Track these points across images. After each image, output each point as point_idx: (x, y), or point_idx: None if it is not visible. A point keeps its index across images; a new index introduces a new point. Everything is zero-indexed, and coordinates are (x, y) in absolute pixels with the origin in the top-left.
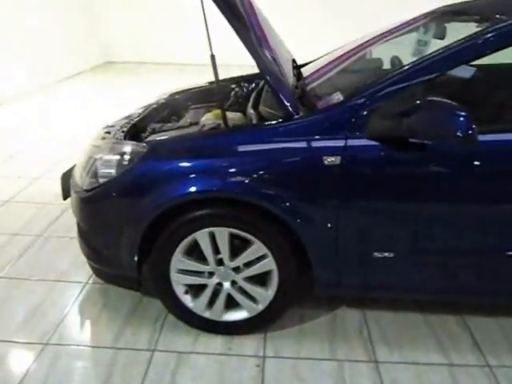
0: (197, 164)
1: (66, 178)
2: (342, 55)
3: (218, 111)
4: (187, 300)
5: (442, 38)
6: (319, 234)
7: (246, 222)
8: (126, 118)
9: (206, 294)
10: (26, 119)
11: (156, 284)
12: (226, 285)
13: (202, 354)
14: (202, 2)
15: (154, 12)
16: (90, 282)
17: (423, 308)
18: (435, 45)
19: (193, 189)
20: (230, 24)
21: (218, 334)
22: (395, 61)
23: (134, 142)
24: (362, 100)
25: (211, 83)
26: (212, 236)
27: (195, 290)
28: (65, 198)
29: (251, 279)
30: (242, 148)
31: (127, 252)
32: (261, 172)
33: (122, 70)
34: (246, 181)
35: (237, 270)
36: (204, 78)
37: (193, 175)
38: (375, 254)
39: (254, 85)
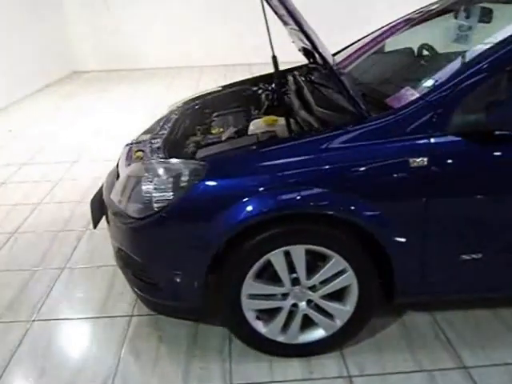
0: (269, 178)
1: (96, 204)
2: (362, 49)
3: (269, 118)
4: (259, 326)
5: (488, 21)
6: (405, 240)
7: (325, 236)
8: (147, 132)
9: (281, 317)
10: None
11: (225, 312)
12: (302, 305)
13: (283, 382)
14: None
15: (120, 18)
16: (135, 313)
17: (490, 303)
18: (481, 29)
19: (270, 206)
20: (296, 23)
21: (293, 358)
22: (426, 49)
23: (190, 160)
24: (442, 94)
25: (224, 88)
26: (286, 255)
27: (267, 315)
28: (95, 226)
29: (328, 296)
30: (316, 157)
31: (191, 282)
32: (340, 181)
33: (89, 80)
34: (326, 192)
35: (313, 288)
36: (180, 80)
37: (266, 191)
38: (463, 256)
39: (272, 86)
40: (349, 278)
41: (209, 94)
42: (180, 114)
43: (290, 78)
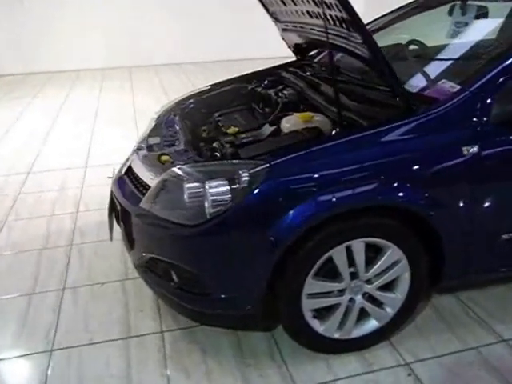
0: (331, 174)
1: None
2: None
3: (306, 114)
4: (316, 325)
5: (485, 17)
6: (456, 224)
7: (384, 227)
8: (152, 136)
9: (339, 314)
10: None
11: (285, 315)
12: (359, 299)
13: (348, 378)
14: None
15: (40, 19)
16: (165, 329)
17: (504, 279)
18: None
19: (335, 202)
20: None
21: (347, 354)
22: (416, 44)
23: (247, 161)
24: (485, 85)
25: (214, 87)
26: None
27: (322, 313)
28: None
29: (382, 287)
30: (374, 150)
31: (251, 288)
32: (399, 173)
33: (8, 84)
34: (387, 184)
35: (368, 281)
36: (109, 82)
37: (330, 187)
38: (503, 236)
39: (268, 83)
40: (403, 267)
41: (200, 93)
42: (180, 114)
43: (288, 75)
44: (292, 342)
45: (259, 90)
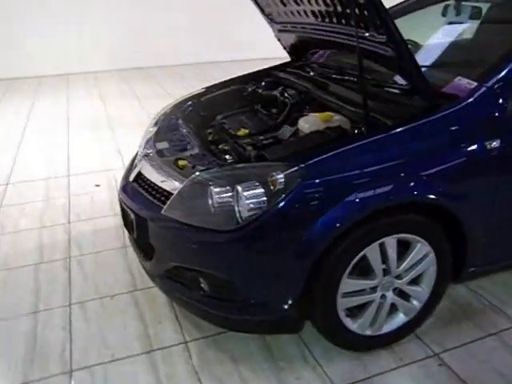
0: (365, 173)
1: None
2: None
3: (326, 114)
4: (349, 323)
5: (478, 18)
6: (480, 215)
7: (415, 223)
8: (159, 141)
9: (372, 310)
10: None
11: (321, 316)
12: (389, 294)
13: (383, 374)
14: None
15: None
16: (188, 339)
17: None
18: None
19: (371, 201)
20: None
21: (377, 350)
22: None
23: (280, 163)
24: (500, 80)
25: (210, 88)
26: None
27: (353, 311)
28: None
29: (411, 281)
30: (404, 148)
31: (288, 291)
32: (429, 168)
33: None
34: (419, 180)
35: (398, 276)
36: (75, 88)
37: (365, 186)
38: None
39: (267, 84)
40: (430, 261)
41: (198, 96)
42: (182, 118)
43: (287, 76)
44: (322, 343)
45: (260, 91)
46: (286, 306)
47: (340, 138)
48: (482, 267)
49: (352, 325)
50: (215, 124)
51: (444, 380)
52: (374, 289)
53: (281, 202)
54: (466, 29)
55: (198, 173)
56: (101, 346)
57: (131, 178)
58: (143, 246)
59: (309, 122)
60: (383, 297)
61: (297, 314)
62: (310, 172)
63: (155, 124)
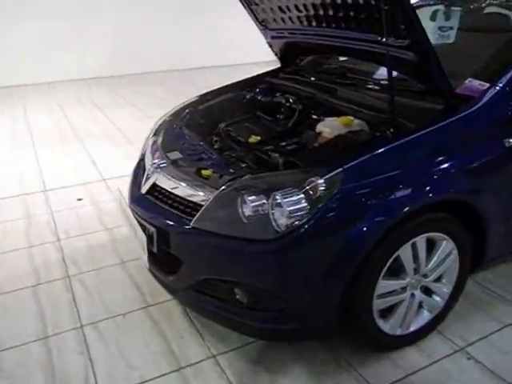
0: (406, 174)
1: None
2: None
3: (347, 118)
4: (382, 324)
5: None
6: (499, 209)
7: (442, 221)
8: (168, 150)
9: (402, 310)
10: None
11: (359, 318)
12: (418, 293)
13: (417, 373)
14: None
15: None
16: (216, 353)
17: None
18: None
19: (408, 202)
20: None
21: (404, 348)
22: None
23: (319, 169)
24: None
25: (204, 96)
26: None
27: (384, 312)
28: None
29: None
30: (432, 148)
31: (328, 297)
32: (460, 167)
33: None
34: (449, 179)
35: (425, 275)
36: (32, 99)
37: (406, 186)
38: None
39: (264, 91)
40: (454, 258)
41: (194, 104)
42: (186, 127)
43: (284, 82)
44: (349, 346)
45: (260, 98)
46: (324, 312)
47: (368, 141)
48: (497, 257)
49: (384, 326)
50: (219, 132)
51: (477, 373)
52: (404, 288)
53: (323, 207)
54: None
55: (230, 182)
56: (126, 368)
57: (144, 191)
58: (164, 260)
59: (330, 127)
60: (412, 296)
61: (334, 319)
62: (348, 175)
63: (155, 134)
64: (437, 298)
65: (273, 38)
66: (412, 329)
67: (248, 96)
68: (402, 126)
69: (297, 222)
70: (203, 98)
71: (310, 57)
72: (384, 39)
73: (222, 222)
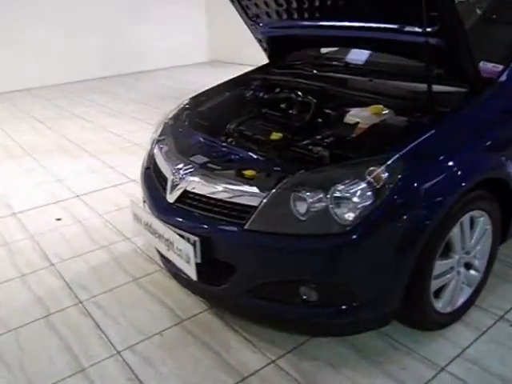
0: (458, 155)
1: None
2: None
3: (377, 107)
4: (436, 304)
5: None
6: None
7: (484, 199)
8: (192, 154)
9: (452, 288)
10: None
11: (418, 301)
12: (462, 270)
13: (471, 347)
14: None
15: None
16: (273, 357)
17: None
18: None
19: (464, 181)
20: None
21: (452, 325)
22: None
23: (379, 157)
24: None
25: (196, 98)
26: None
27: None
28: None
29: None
30: (475, 126)
31: (397, 284)
32: (499, 145)
33: None
34: (494, 157)
35: (467, 252)
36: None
37: (460, 166)
38: None
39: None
40: (489, 233)
41: (191, 107)
42: (192, 128)
43: (282, 77)
44: (399, 330)
45: (261, 94)
46: (391, 299)
47: (408, 127)
48: None
49: (437, 305)
50: (230, 132)
51: None
52: (452, 267)
53: (388, 194)
54: None
55: (287, 179)
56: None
57: (172, 199)
58: (210, 269)
59: (361, 117)
60: (458, 273)
61: (398, 305)
62: (407, 161)
63: (157, 142)
64: (475, 273)
65: (263, 33)
66: (457, 305)
67: (248, 94)
68: (434, 110)
69: (365, 213)
70: (197, 99)
71: (300, 51)
72: (416, 28)
73: (280, 221)
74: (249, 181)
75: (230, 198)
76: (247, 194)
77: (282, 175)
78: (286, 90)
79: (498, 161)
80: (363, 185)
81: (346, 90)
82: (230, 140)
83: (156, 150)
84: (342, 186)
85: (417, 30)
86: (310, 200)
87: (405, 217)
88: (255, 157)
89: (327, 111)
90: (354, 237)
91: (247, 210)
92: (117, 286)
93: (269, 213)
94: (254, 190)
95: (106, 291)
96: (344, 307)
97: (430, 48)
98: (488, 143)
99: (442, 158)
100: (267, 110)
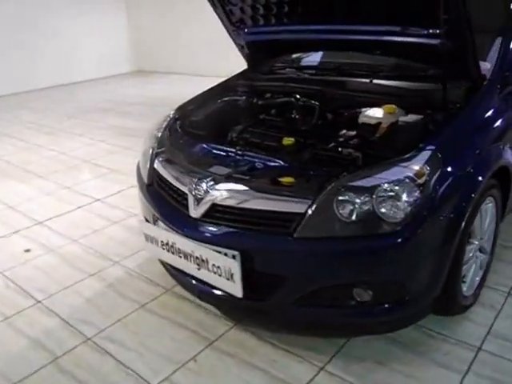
0: (478, 145)
1: None
2: None
3: (390, 107)
4: (463, 289)
5: None
6: None
7: (493, 186)
8: (212, 165)
9: (473, 272)
10: None
11: (452, 288)
12: (479, 254)
13: (494, 325)
14: None
15: None
16: (320, 364)
17: None
18: None
19: (490, 167)
20: None
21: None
22: None
23: (413, 154)
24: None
25: (183, 108)
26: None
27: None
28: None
29: None
30: (486, 119)
31: (441, 273)
32: (502, 134)
33: None
34: (504, 146)
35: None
36: None
37: (481, 156)
38: None
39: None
40: (494, 217)
41: (180, 119)
42: (194, 138)
43: (268, 83)
44: (428, 319)
45: (255, 101)
46: (435, 289)
47: (427, 124)
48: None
49: (464, 289)
50: (234, 141)
51: None
52: (472, 253)
53: (432, 189)
54: None
55: (335, 183)
56: None
57: (197, 215)
58: (254, 285)
59: (377, 117)
60: (476, 257)
61: (439, 294)
62: (443, 155)
63: (156, 155)
64: (484, 255)
65: (246, 39)
66: (475, 287)
67: (240, 101)
68: (443, 106)
69: (412, 209)
70: (186, 109)
71: (283, 56)
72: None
73: (329, 226)
74: (288, 188)
75: (270, 207)
76: (290, 201)
77: (324, 179)
78: (282, 94)
79: (506, 150)
80: (407, 182)
81: (348, 91)
82: (243, 148)
83: (158, 164)
84: (387, 186)
85: (424, 32)
86: (358, 202)
87: (447, 208)
88: (282, 163)
89: (336, 113)
90: (407, 234)
91: (292, 217)
92: (124, 316)
93: (317, 218)
94: (298, 196)
95: (114, 323)
96: (396, 303)
97: (440, 49)
98: (496, 134)
99: (467, 149)
100: (271, 115)
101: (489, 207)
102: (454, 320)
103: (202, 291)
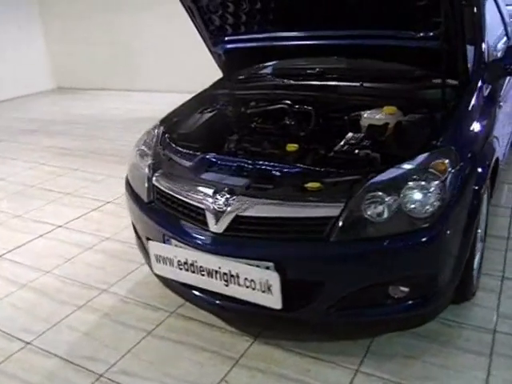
0: (483, 137)
1: None
2: None
3: (390, 108)
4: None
5: None
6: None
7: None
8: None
9: (477, 259)
10: None
11: (469, 277)
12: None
13: (500, 308)
14: None
15: None
16: (353, 366)
17: None
18: None
19: (492, 157)
20: None
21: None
22: None
23: (432, 152)
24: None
25: (165, 120)
26: None
27: None
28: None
29: None
30: (485, 112)
31: (463, 261)
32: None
33: None
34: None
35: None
36: None
37: (486, 147)
38: None
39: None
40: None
41: (169, 129)
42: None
43: (256, 91)
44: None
45: (243, 110)
46: (456, 279)
47: (431, 121)
48: None
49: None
50: (233, 150)
51: None
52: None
53: (455, 182)
54: None
55: (363, 185)
56: None
57: (220, 230)
58: (291, 295)
59: (379, 118)
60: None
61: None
62: (459, 150)
63: (154, 169)
64: (481, 243)
65: (224, 47)
66: (477, 273)
67: (228, 110)
68: (441, 105)
69: (440, 204)
70: (171, 122)
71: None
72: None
73: (362, 227)
74: (317, 193)
75: (300, 214)
76: (321, 206)
77: (352, 182)
78: (269, 102)
79: (496, 142)
80: (434, 178)
81: (340, 95)
82: (247, 157)
83: (158, 181)
84: (413, 183)
85: (418, 35)
86: (388, 201)
87: (466, 200)
88: (300, 169)
89: (333, 117)
90: (439, 228)
91: (325, 222)
92: (133, 346)
93: (350, 221)
94: (329, 201)
95: (124, 355)
96: (429, 296)
97: (433, 51)
98: (489, 128)
99: (474, 143)
100: (258, 124)
101: (485, 197)
102: (462, 307)
103: (225, 308)
